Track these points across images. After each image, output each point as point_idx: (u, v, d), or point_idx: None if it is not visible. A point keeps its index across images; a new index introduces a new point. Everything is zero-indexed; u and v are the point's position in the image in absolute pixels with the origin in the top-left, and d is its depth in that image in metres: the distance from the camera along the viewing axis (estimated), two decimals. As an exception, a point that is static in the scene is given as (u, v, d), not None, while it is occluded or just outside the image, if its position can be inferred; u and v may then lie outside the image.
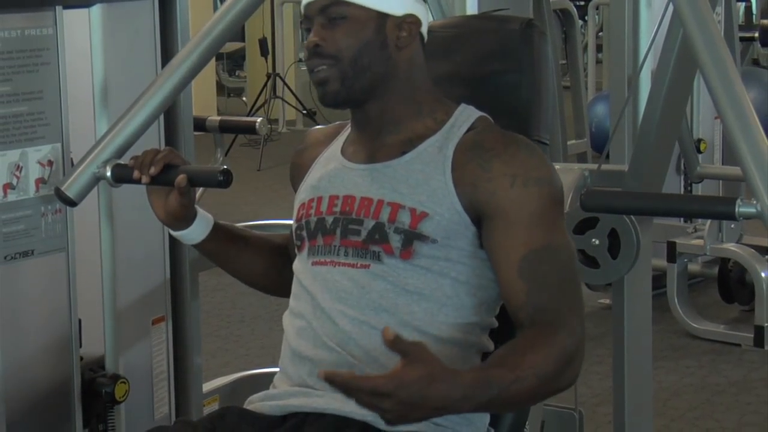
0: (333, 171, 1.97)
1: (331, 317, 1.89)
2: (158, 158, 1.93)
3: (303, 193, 2.00)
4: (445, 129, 1.93)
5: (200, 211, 2.00)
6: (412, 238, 1.86)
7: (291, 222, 2.03)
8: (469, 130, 1.92)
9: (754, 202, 1.62)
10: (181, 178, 1.93)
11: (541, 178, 1.86)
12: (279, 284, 2.08)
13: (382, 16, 1.92)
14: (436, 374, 1.63)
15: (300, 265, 1.97)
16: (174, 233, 2.02)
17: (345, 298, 1.88)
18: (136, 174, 1.94)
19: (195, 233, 2.01)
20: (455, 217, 1.86)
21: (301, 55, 10.21)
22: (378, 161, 1.93)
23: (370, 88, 1.92)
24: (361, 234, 1.88)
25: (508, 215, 1.83)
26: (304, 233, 1.96)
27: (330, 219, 1.93)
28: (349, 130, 2.04)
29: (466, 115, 1.95)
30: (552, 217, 1.85)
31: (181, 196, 1.94)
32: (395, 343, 1.62)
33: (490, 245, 1.84)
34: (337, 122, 2.11)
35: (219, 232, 2.03)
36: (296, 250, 1.98)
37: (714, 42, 1.74)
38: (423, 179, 1.87)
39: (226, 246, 2.06)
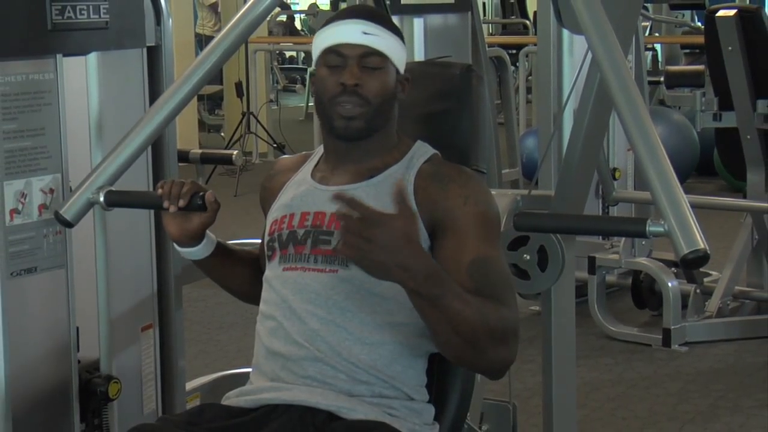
0: (304, 192, 1.98)
1: (301, 317, 1.89)
2: (185, 191, 1.92)
3: (275, 212, 2.01)
4: (406, 159, 1.96)
5: (207, 232, 2.00)
6: None
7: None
8: (425, 162, 1.95)
9: (662, 222, 1.63)
10: (209, 195, 1.93)
11: (488, 201, 1.92)
12: (257, 293, 2.06)
13: (397, 71, 1.95)
14: (416, 239, 1.68)
15: (271, 272, 1.97)
16: (182, 250, 2.01)
17: (314, 300, 1.88)
18: (165, 203, 1.93)
19: (202, 251, 2.01)
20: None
21: (272, 96, 10.21)
22: (347, 183, 1.94)
23: (376, 129, 1.94)
24: (332, 243, 1.89)
25: (461, 227, 1.86)
26: (276, 244, 1.96)
27: (301, 231, 1.93)
28: (316, 158, 2.04)
29: (423, 150, 1.99)
30: (494, 234, 1.90)
31: (210, 216, 1.95)
32: (400, 194, 1.69)
33: (443, 253, 1.86)
34: (303, 152, 2.12)
35: (218, 249, 2.03)
36: (267, 260, 1.98)
37: (627, 85, 1.75)
38: (389, 201, 1.88)
39: (222, 261, 2.06)
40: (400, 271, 1.66)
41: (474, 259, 1.84)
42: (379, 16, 1.97)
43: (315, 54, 1.96)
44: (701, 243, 1.59)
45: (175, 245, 2.03)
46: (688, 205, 1.63)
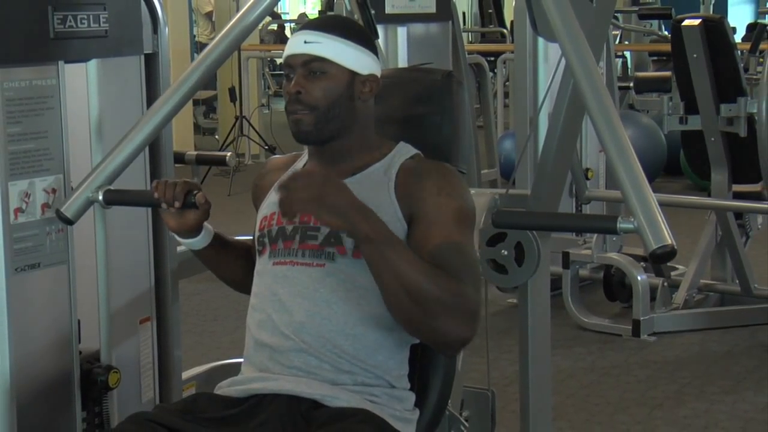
0: None
1: (289, 309, 1.89)
2: (178, 191, 1.93)
3: (265, 209, 2.01)
4: (388, 158, 1.97)
5: (205, 223, 2.00)
6: None
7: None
8: (407, 159, 1.96)
9: (632, 219, 1.63)
10: (200, 196, 1.93)
11: (462, 195, 1.91)
12: (249, 283, 2.07)
13: (353, 74, 1.95)
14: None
15: (261, 266, 1.97)
16: (182, 241, 2.01)
17: (302, 292, 1.88)
18: (164, 206, 1.94)
19: (200, 242, 2.01)
20: (397, 224, 1.88)
21: (263, 101, 10.20)
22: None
23: (336, 132, 1.94)
24: (318, 239, 1.90)
25: (431, 214, 1.86)
26: (266, 240, 1.96)
27: (290, 228, 1.94)
28: (305, 158, 2.05)
29: (405, 150, 1.99)
30: (465, 225, 1.89)
31: (203, 214, 1.95)
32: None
33: (414, 238, 1.85)
34: (294, 153, 2.12)
35: (216, 239, 2.04)
36: (258, 255, 1.98)
37: (598, 90, 1.75)
38: (372, 195, 1.89)
39: (218, 251, 2.06)
40: (357, 211, 1.71)
41: (441, 242, 1.83)
42: (329, 23, 1.97)
43: None
44: (669, 239, 1.59)
45: (175, 236, 2.03)
46: (657, 203, 1.63)
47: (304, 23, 2.01)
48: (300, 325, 1.87)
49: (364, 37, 1.97)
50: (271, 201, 2.00)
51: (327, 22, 1.98)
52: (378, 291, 1.84)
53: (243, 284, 2.10)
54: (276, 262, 1.93)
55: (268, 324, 1.90)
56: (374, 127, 1.99)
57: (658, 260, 1.61)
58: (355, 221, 1.72)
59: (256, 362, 1.92)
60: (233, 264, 2.10)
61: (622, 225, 1.62)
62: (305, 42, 1.92)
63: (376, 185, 1.91)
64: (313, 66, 1.92)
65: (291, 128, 1.94)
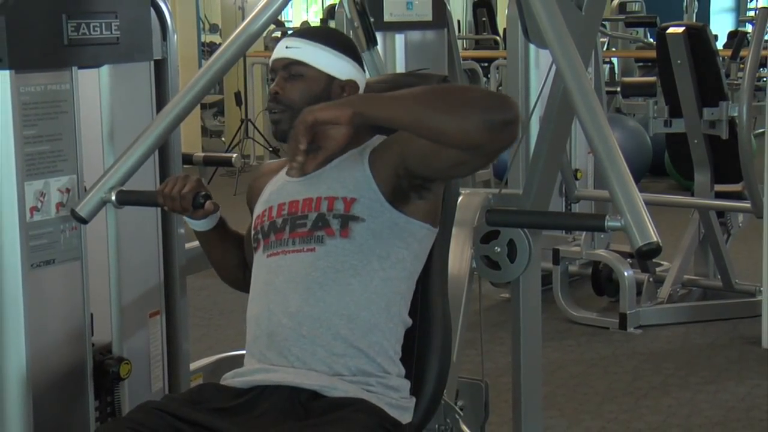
0: (279, 187, 2.01)
1: (285, 296, 1.89)
2: (185, 204, 1.94)
3: (257, 209, 2.04)
4: (363, 144, 1.96)
5: None
6: (347, 219, 1.89)
7: None
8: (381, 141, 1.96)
9: (619, 218, 1.63)
10: (209, 204, 1.95)
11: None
12: (239, 277, 2.11)
13: (330, 79, 1.96)
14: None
15: (257, 262, 1.98)
16: (189, 221, 2.03)
17: (295, 278, 1.89)
18: (168, 206, 1.96)
19: (205, 225, 2.03)
20: (374, 196, 1.89)
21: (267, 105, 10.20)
22: (313, 172, 1.94)
23: None
24: (307, 225, 1.91)
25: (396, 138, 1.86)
26: (260, 236, 1.97)
27: (279, 220, 1.95)
28: None
29: (379, 136, 1.98)
30: None
31: (210, 213, 1.98)
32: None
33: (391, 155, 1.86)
34: (285, 158, 2.13)
35: (220, 223, 2.06)
36: (254, 252, 1.99)
37: (587, 94, 1.75)
38: (348, 174, 1.92)
39: (218, 235, 2.07)
40: (340, 105, 1.70)
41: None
42: (310, 32, 2.02)
43: None
44: (654, 236, 1.59)
45: (184, 218, 2.04)
46: (643, 202, 1.63)
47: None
48: (296, 309, 1.87)
49: (347, 46, 2.01)
50: (263, 200, 2.01)
51: (309, 31, 2.03)
52: (366, 269, 1.85)
53: (231, 273, 2.13)
54: (270, 254, 1.94)
55: (265, 313, 1.90)
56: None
57: (644, 257, 1.61)
58: (348, 103, 1.71)
59: (255, 353, 1.92)
60: (227, 250, 2.12)
61: (610, 223, 1.62)
62: (286, 47, 1.98)
63: (351, 164, 1.93)
64: (292, 69, 1.96)
65: (271, 127, 2.00)
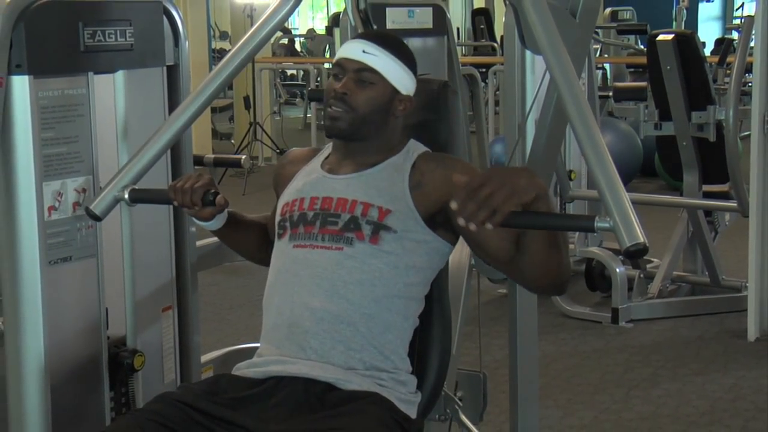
0: (314, 180, 1.98)
1: (309, 289, 1.88)
2: (195, 198, 1.92)
3: (287, 196, 2.01)
4: (403, 152, 1.97)
5: None
6: (379, 228, 1.88)
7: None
8: (421, 153, 1.96)
9: (608, 219, 1.62)
10: (220, 198, 1.93)
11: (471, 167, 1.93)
12: (265, 254, 2.07)
13: (394, 91, 1.94)
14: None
15: (280, 248, 1.96)
16: (198, 222, 2.02)
17: (320, 274, 1.87)
18: (178, 204, 1.94)
19: (214, 225, 2.01)
20: (410, 213, 1.88)
21: (275, 109, 10.18)
22: (352, 173, 1.94)
23: (364, 136, 1.94)
24: (338, 224, 1.89)
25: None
26: (287, 224, 1.95)
27: (311, 214, 1.93)
28: (326, 153, 2.04)
29: (416, 146, 1.99)
30: None
31: (219, 209, 1.95)
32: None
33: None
34: (312, 147, 2.13)
35: (230, 220, 2.03)
36: (277, 238, 1.97)
37: (578, 100, 1.74)
38: (387, 186, 1.90)
39: (233, 230, 2.06)
40: (532, 179, 1.62)
41: None
42: (388, 41, 1.96)
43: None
44: (641, 237, 1.58)
45: (194, 219, 2.03)
46: (631, 204, 1.62)
47: (365, 32, 1.99)
48: (319, 304, 1.86)
49: (412, 60, 1.98)
50: (292, 189, 1.99)
51: (386, 39, 1.96)
52: (391, 274, 1.85)
53: (255, 256, 2.13)
54: (296, 245, 1.92)
55: (288, 304, 1.89)
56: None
57: (632, 256, 1.61)
58: (537, 184, 1.63)
59: (273, 340, 1.90)
60: (246, 239, 2.11)
61: (599, 224, 1.61)
62: (363, 51, 1.92)
63: (391, 175, 1.92)
64: (364, 75, 1.92)
65: (325, 122, 1.94)
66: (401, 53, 1.95)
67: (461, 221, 1.54)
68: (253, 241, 2.11)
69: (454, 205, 1.54)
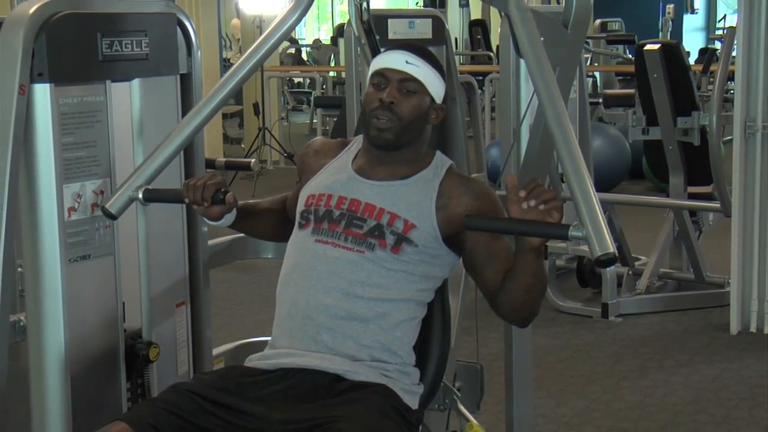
0: (344, 179, 1.96)
1: (326, 285, 1.87)
2: (206, 195, 1.92)
3: (313, 188, 1.98)
4: (432, 166, 1.95)
5: None
6: (402, 240, 1.87)
7: None
8: (447, 170, 1.95)
9: (582, 228, 1.62)
10: (229, 196, 1.92)
11: (493, 194, 1.95)
12: (281, 235, 2.07)
13: (432, 101, 1.93)
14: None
15: (301, 239, 1.94)
16: (210, 223, 2.01)
17: (339, 272, 1.87)
18: (192, 204, 1.94)
19: (225, 222, 2.00)
20: (432, 231, 1.88)
21: (283, 115, 10.17)
22: (383, 180, 1.93)
23: (405, 144, 1.93)
24: (363, 228, 1.87)
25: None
26: (312, 216, 1.93)
27: (337, 212, 1.91)
28: (354, 148, 2.02)
29: (443, 160, 1.98)
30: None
31: (229, 207, 1.95)
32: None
33: (489, 236, 1.88)
34: (340, 139, 2.11)
35: (240, 215, 2.01)
36: (298, 227, 1.96)
37: (559, 114, 1.73)
38: (416, 200, 1.89)
39: (246, 222, 2.06)
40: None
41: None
42: (425, 52, 1.96)
43: (368, 76, 1.97)
44: (611, 247, 1.58)
45: (204, 219, 2.03)
46: (603, 216, 1.61)
47: (399, 44, 1.97)
48: (335, 300, 1.85)
49: (443, 71, 1.97)
50: (320, 182, 1.97)
51: (423, 50, 1.95)
52: (406, 280, 1.85)
53: (272, 237, 2.16)
54: (318, 239, 1.90)
55: (303, 296, 1.88)
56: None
57: (602, 265, 1.60)
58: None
59: (285, 330, 1.90)
60: (261, 226, 2.12)
61: (573, 233, 1.61)
62: (407, 62, 1.90)
63: (420, 189, 1.91)
64: (408, 84, 1.90)
65: (371, 131, 1.90)
66: (436, 64, 1.96)
67: (522, 193, 1.67)
68: (267, 226, 2.12)
69: (511, 181, 1.69)
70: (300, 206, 1.98)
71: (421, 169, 1.94)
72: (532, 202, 1.67)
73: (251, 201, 2.12)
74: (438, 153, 1.98)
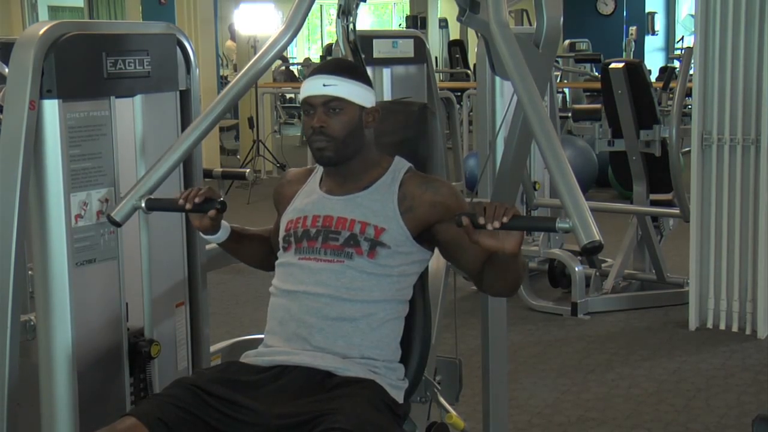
0: (315, 200, 1.97)
1: (315, 294, 1.88)
2: (201, 193, 1.92)
3: (290, 214, 2.00)
4: (390, 171, 1.96)
5: (223, 222, 2.00)
6: (375, 244, 1.88)
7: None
8: (406, 173, 1.95)
9: (567, 220, 1.62)
10: (212, 213, 1.92)
11: (453, 188, 1.94)
12: (267, 263, 2.08)
13: (361, 108, 1.93)
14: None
15: (286, 259, 1.96)
16: (205, 237, 2.02)
17: (325, 281, 1.88)
18: (181, 202, 1.92)
19: (219, 237, 2.01)
20: (402, 231, 1.89)
21: (276, 128, 10.16)
22: (348, 194, 1.94)
23: (350, 155, 1.93)
24: (339, 240, 1.89)
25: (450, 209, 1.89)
26: (292, 239, 1.95)
27: (313, 230, 1.93)
28: (319, 174, 2.04)
29: (402, 164, 1.99)
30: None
31: (212, 220, 1.94)
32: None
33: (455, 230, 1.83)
34: (307, 167, 2.13)
35: (233, 234, 2.03)
36: (282, 251, 1.97)
37: (543, 119, 1.75)
38: (380, 207, 1.90)
39: (237, 242, 2.06)
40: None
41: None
42: (342, 66, 1.95)
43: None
44: (597, 236, 1.58)
45: (201, 234, 2.03)
46: (588, 208, 1.62)
47: (317, 67, 1.96)
48: (324, 305, 1.87)
49: (366, 76, 1.97)
50: (297, 208, 1.99)
51: (338, 67, 1.94)
52: (384, 281, 1.85)
53: (260, 264, 2.14)
54: (301, 257, 1.92)
55: (296, 305, 1.89)
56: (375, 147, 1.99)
57: (589, 253, 1.61)
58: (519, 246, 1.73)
59: (281, 334, 1.91)
60: (250, 250, 2.11)
61: (560, 225, 1.61)
62: (324, 85, 1.90)
63: (382, 196, 1.92)
64: (332, 104, 1.90)
65: (314, 154, 1.93)
66: (355, 74, 1.94)
67: (481, 220, 1.65)
68: (256, 250, 2.11)
69: (465, 221, 1.65)
70: (281, 233, 2.00)
71: (380, 175, 1.95)
72: (497, 223, 1.64)
73: (246, 227, 2.12)
74: (396, 158, 1.99)
